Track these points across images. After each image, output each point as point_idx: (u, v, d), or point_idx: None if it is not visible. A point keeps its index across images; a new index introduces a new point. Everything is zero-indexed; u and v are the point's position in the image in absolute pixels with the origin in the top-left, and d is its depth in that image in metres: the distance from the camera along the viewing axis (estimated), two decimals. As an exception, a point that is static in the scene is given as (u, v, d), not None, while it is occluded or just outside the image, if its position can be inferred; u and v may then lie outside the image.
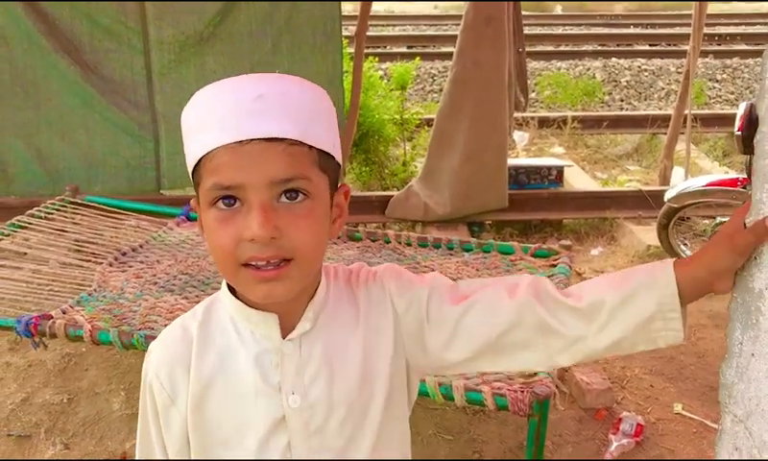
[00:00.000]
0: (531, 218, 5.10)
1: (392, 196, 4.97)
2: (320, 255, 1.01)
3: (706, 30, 5.54)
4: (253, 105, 0.91)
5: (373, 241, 3.29)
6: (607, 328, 1.00)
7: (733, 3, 14.72)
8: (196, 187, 0.99)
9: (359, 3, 4.76)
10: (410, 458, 1.16)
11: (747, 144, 3.18)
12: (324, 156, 0.97)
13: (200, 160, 0.95)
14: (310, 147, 0.94)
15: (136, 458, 1.15)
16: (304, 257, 0.96)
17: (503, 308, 1.04)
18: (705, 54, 9.76)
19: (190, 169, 0.99)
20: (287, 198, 0.93)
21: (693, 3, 5.22)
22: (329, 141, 0.98)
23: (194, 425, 1.05)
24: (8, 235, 3.35)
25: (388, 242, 3.29)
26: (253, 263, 0.93)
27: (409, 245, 3.28)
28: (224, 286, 1.07)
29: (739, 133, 3.26)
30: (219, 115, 0.92)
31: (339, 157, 1.01)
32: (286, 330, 1.03)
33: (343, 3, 4.25)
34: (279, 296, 0.96)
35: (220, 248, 0.94)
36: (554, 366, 1.08)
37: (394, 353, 1.08)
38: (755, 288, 0.94)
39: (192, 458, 1.08)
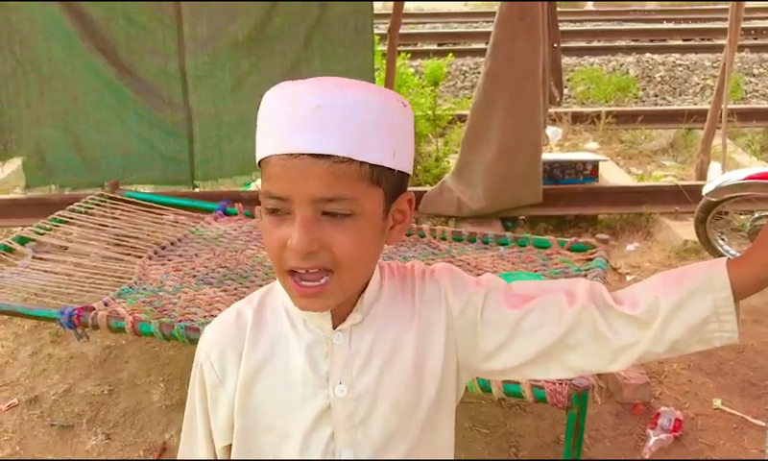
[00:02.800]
0: (565, 213, 5.06)
1: (425, 192, 4.97)
2: (365, 268, 1.02)
3: (742, 24, 5.45)
4: (309, 117, 0.91)
5: (408, 235, 3.29)
6: (663, 334, 1.00)
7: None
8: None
9: (391, 1, 4.77)
10: (452, 455, 1.16)
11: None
12: (379, 169, 0.95)
13: (259, 163, 0.98)
14: (361, 163, 0.93)
15: (182, 435, 1.17)
16: (346, 270, 0.96)
17: (563, 316, 1.04)
18: (741, 48, 9.59)
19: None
20: (332, 215, 0.94)
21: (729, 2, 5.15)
22: (389, 152, 0.95)
23: (240, 409, 1.07)
24: (49, 230, 3.42)
25: (422, 236, 3.29)
26: (296, 272, 0.96)
27: (444, 239, 3.28)
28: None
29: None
30: (277, 123, 0.94)
31: (405, 165, 0.99)
32: (338, 321, 1.04)
33: (374, 1, 4.24)
34: (318, 309, 1.00)
35: (269, 250, 0.98)
36: (608, 371, 1.08)
37: (445, 353, 1.08)
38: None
39: (235, 441, 1.09)
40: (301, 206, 0.92)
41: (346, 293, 1.00)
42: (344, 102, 0.92)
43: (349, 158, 0.91)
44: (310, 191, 0.91)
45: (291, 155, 0.91)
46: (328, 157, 0.91)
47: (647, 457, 2.78)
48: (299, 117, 0.91)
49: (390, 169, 0.96)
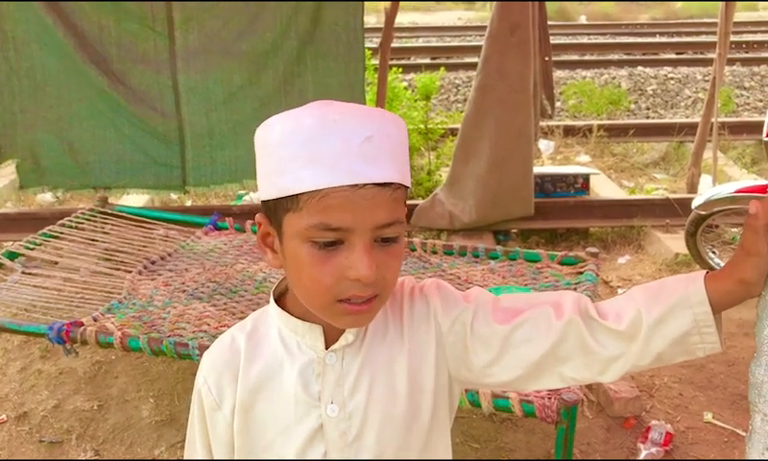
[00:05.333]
0: (557, 226, 5.07)
1: (417, 205, 4.98)
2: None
3: (733, 38, 5.51)
4: (364, 147, 0.92)
5: (399, 249, 3.29)
6: (647, 347, 1.01)
7: (761, 11, 14.57)
8: (275, 210, 0.98)
9: (384, 14, 4.79)
10: None
11: (775, 150, 3.16)
12: (406, 191, 1.00)
13: (298, 194, 0.93)
14: (406, 187, 0.99)
15: (184, 457, 1.19)
16: (389, 293, 1.01)
17: (551, 329, 1.05)
18: (732, 61, 9.68)
19: (273, 195, 0.97)
20: (383, 241, 0.96)
21: (719, 10, 5.18)
22: (408, 174, 1.01)
23: (240, 430, 1.09)
24: (39, 245, 3.41)
25: (413, 250, 3.30)
26: (351, 300, 0.96)
27: (435, 253, 3.29)
28: (271, 299, 1.10)
29: (767, 138, 3.24)
30: (326, 153, 0.91)
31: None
32: (331, 342, 1.05)
33: (366, 15, 4.26)
34: (362, 325, 1.04)
35: (317, 284, 0.96)
36: (597, 381, 1.10)
37: (436, 369, 1.09)
38: (783, 286, 0.93)
39: (236, 459, 1.11)
40: (364, 234, 0.93)
41: (378, 311, 1.03)
42: (389, 131, 0.95)
43: (400, 184, 0.96)
44: (376, 219, 0.93)
45: (355, 186, 0.91)
46: (390, 185, 0.94)
47: (638, 471, 2.78)
48: (354, 147, 0.91)
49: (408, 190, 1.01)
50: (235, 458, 1.11)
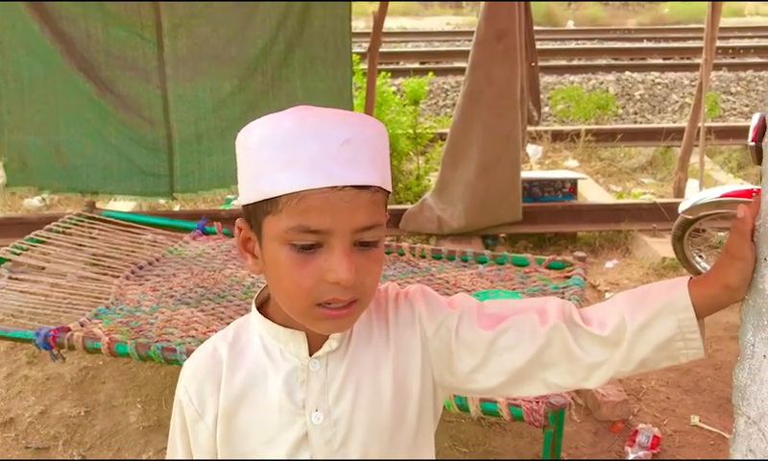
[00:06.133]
0: (545, 231, 5.09)
1: (405, 210, 4.99)
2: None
3: (719, 43, 5.54)
4: (342, 150, 0.92)
5: (388, 253, 3.30)
6: (631, 353, 1.01)
7: (747, 17, 14.69)
8: (255, 214, 0.98)
9: (372, 19, 4.79)
10: None
11: (761, 154, 3.18)
12: (387, 195, 1.00)
13: (277, 197, 0.93)
14: (386, 191, 0.98)
15: None
16: (369, 298, 1.00)
17: (535, 335, 1.05)
18: (719, 67, 9.75)
19: (253, 199, 0.97)
20: (362, 245, 0.95)
21: (705, 17, 5.22)
22: (389, 178, 1.00)
23: (223, 440, 1.08)
24: (26, 249, 3.39)
25: (402, 254, 3.30)
26: (331, 304, 0.96)
27: (423, 257, 3.29)
28: (253, 307, 1.09)
29: (753, 143, 3.27)
30: (305, 155, 0.91)
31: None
32: (314, 349, 1.05)
33: (355, 20, 4.27)
34: (342, 330, 1.03)
35: (297, 287, 0.95)
36: (581, 387, 1.10)
37: (422, 375, 1.09)
38: (765, 289, 0.94)
39: None
40: (343, 237, 0.93)
41: (359, 316, 1.02)
42: (367, 135, 0.95)
43: (380, 188, 0.96)
44: (355, 222, 0.93)
45: (334, 188, 0.91)
46: (369, 187, 0.93)
47: (625, 475, 2.79)
48: (332, 150, 0.91)
49: (389, 194, 1.01)
50: None
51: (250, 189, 0.97)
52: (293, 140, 0.92)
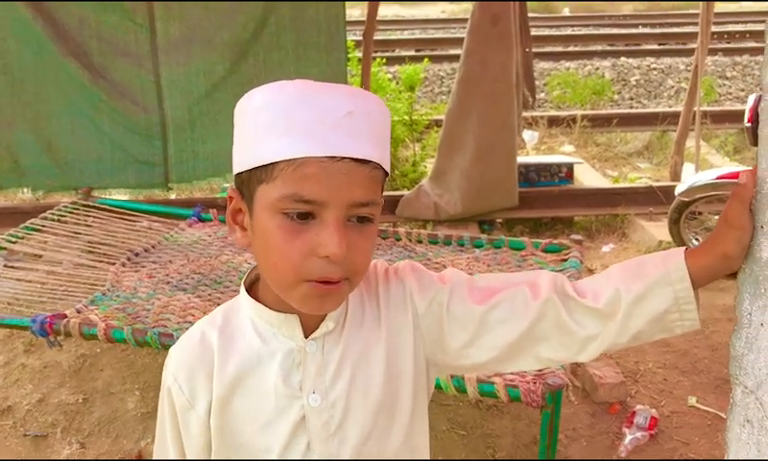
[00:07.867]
0: (541, 216, 5.10)
1: (402, 196, 4.98)
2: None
3: (715, 28, 5.54)
4: (343, 121, 0.90)
5: (384, 239, 3.30)
6: (626, 326, 1.00)
7: (742, 2, 14.67)
8: (248, 183, 0.95)
9: (366, 6, 4.78)
10: (429, 456, 1.15)
11: (756, 135, 3.18)
12: (386, 176, 0.98)
13: (273, 163, 0.91)
14: (384, 171, 0.96)
15: (153, 458, 1.15)
16: (358, 278, 0.98)
17: (528, 308, 1.03)
18: (714, 51, 9.74)
19: (248, 165, 0.95)
20: (357, 220, 0.93)
21: (701, 2, 5.21)
22: (388, 158, 0.99)
23: (217, 428, 1.05)
24: (22, 238, 3.38)
25: (399, 239, 3.30)
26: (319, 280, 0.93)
27: (420, 242, 3.29)
28: (242, 290, 1.07)
29: (749, 124, 3.27)
30: (305, 123, 0.89)
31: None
32: (308, 331, 1.02)
33: (350, 8, 4.25)
34: (328, 310, 0.99)
35: (285, 260, 0.92)
36: (574, 361, 1.08)
37: (415, 353, 1.07)
38: (762, 258, 0.93)
39: (213, 459, 1.07)
40: (338, 210, 0.90)
41: (347, 297, 1.00)
42: (370, 110, 0.93)
43: (379, 165, 0.94)
44: (351, 196, 0.91)
45: (333, 158, 0.89)
46: (367, 162, 0.92)
47: (623, 456, 2.80)
48: (333, 120, 0.90)
49: (387, 175, 0.99)
50: (213, 457, 1.07)
51: (245, 154, 0.95)
52: (294, 107, 0.91)
